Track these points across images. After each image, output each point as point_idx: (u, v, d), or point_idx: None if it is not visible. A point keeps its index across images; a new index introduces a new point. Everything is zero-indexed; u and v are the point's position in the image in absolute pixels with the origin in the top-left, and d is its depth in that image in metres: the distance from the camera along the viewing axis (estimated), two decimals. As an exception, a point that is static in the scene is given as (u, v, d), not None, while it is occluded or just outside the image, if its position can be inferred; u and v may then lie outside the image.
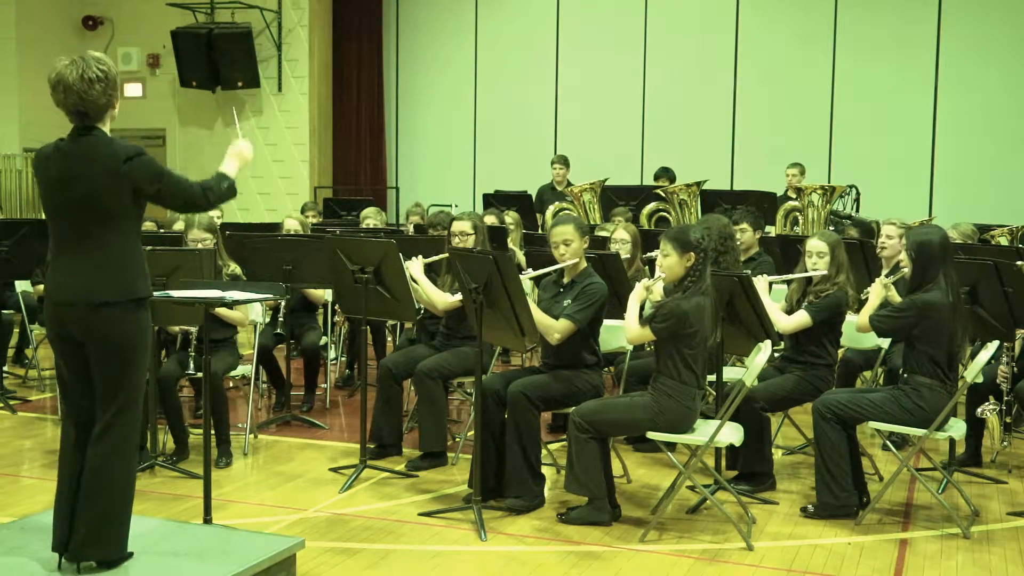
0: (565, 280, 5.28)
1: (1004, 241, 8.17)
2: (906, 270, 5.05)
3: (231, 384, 7.41)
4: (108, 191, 3.63)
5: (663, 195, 9.76)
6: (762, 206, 9.58)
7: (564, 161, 11.12)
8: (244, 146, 4.07)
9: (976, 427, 5.73)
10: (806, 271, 5.54)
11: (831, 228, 9.04)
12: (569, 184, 10.76)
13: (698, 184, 9.72)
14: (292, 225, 7.29)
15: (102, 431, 3.70)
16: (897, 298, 5.24)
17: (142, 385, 3.78)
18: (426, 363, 5.77)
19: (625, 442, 6.14)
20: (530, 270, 5.56)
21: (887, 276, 5.52)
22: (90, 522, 3.69)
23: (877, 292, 5.19)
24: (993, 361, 5.36)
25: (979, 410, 5.48)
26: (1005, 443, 5.84)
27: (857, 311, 5.58)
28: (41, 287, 7.43)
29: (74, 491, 3.72)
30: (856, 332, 5.51)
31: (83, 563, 3.72)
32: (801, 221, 9.46)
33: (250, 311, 6.19)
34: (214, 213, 8.39)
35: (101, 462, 3.69)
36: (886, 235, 6.84)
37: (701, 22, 13.08)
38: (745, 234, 6.83)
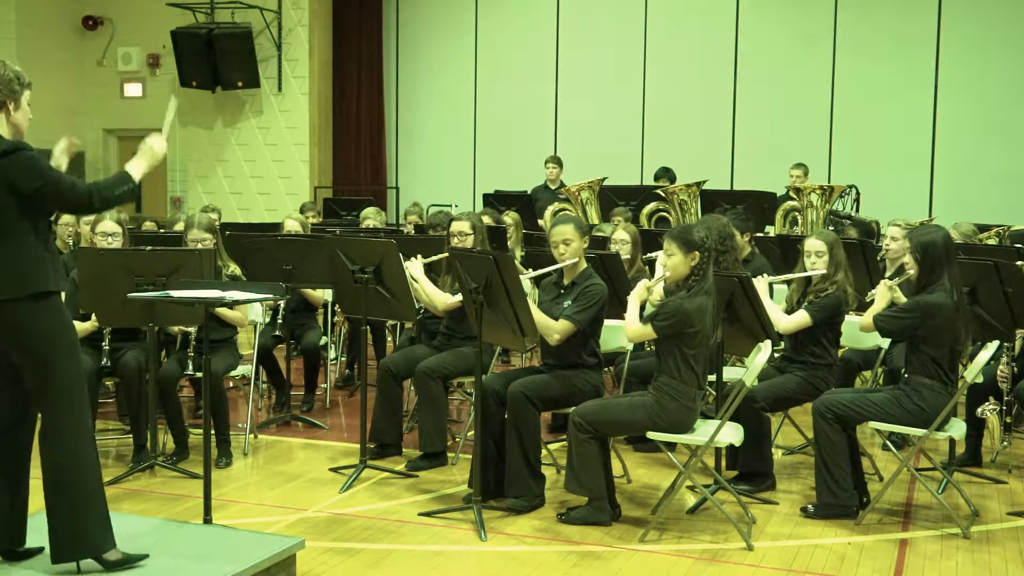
0: (565, 281, 5.27)
1: (992, 243, 8.16)
2: (911, 272, 5.04)
3: (231, 384, 7.41)
4: None
5: (663, 195, 9.77)
6: (762, 206, 9.60)
7: (558, 161, 11.21)
8: (156, 142, 3.98)
9: (976, 427, 5.73)
10: (805, 271, 5.54)
11: (831, 228, 9.04)
12: (562, 184, 10.80)
13: (698, 184, 9.73)
14: (292, 226, 7.28)
15: (45, 428, 3.71)
16: (903, 299, 5.22)
17: (72, 378, 3.71)
18: (426, 363, 5.77)
19: (625, 442, 6.14)
20: (530, 270, 5.56)
21: (892, 278, 5.51)
22: (70, 521, 3.69)
23: (883, 294, 5.16)
24: (993, 361, 5.36)
25: (979, 410, 5.48)
26: (1005, 443, 5.84)
27: (856, 310, 5.58)
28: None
29: None
30: (857, 332, 5.51)
31: (82, 561, 3.72)
32: (800, 221, 9.46)
33: (250, 311, 6.19)
34: (213, 215, 8.44)
35: (57, 459, 3.69)
36: (891, 236, 6.85)
37: (701, 22, 13.09)
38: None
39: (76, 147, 4.13)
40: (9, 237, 3.63)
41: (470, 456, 5.24)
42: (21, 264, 3.64)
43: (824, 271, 5.44)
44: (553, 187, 10.93)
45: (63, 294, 3.80)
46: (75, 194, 3.69)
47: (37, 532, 3.91)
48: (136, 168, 3.90)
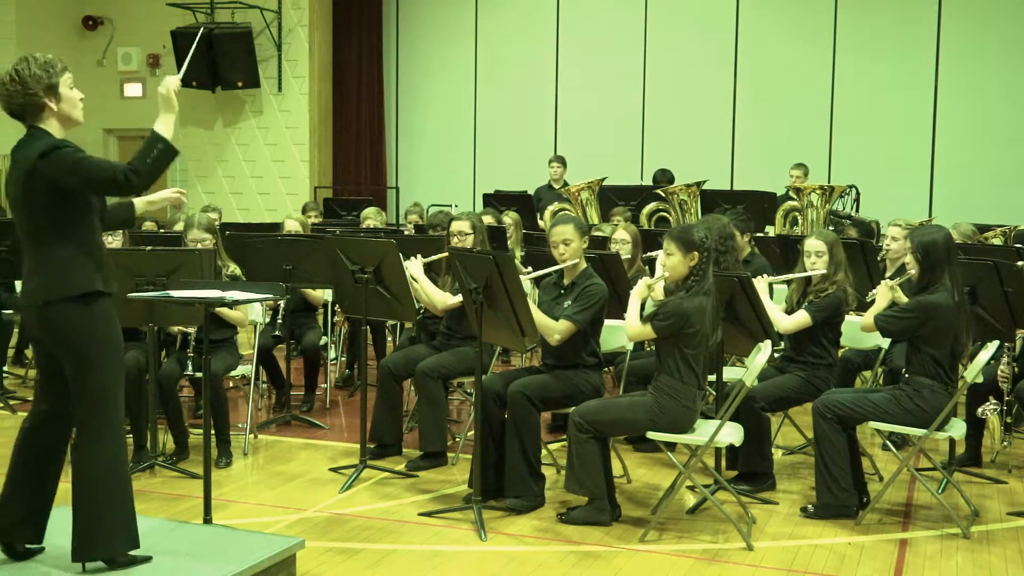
0: (565, 281, 5.27)
1: (998, 242, 8.17)
2: (912, 272, 5.04)
3: (231, 384, 7.41)
4: (29, 191, 3.63)
5: (663, 195, 9.76)
6: (762, 206, 9.59)
7: (562, 161, 11.21)
8: (166, 80, 3.83)
9: (976, 427, 5.73)
10: (805, 271, 5.54)
11: (831, 228, 9.04)
12: (566, 184, 10.80)
13: (698, 184, 9.72)
14: (292, 226, 7.28)
15: (78, 429, 3.73)
16: (904, 299, 5.22)
17: (110, 381, 3.71)
18: (426, 363, 5.77)
19: (625, 442, 6.14)
20: (530, 270, 5.55)
21: (892, 277, 5.51)
22: (85, 522, 3.70)
23: (884, 294, 5.15)
24: (993, 361, 5.36)
25: (980, 410, 5.48)
26: (1005, 443, 5.84)
27: (856, 310, 5.57)
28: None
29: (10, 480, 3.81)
30: (857, 332, 5.51)
31: (88, 563, 3.73)
32: (800, 221, 9.46)
33: (250, 311, 6.19)
34: (213, 215, 8.44)
35: (82, 460, 3.70)
36: (891, 236, 6.84)
37: (701, 22, 13.09)
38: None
39: (183, 205, 4.18)
40: (52, 239, 3.65)
41: (470, 456, 5.24)
42: (60, 267, 3.65)
43: (824, 271, 5.44)
44: (557, 186, 10.94)
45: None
46: (111, 177, 3.59)
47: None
48: (161, 124, 3.72)
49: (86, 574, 3.72)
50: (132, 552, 3.79)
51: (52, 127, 3.70)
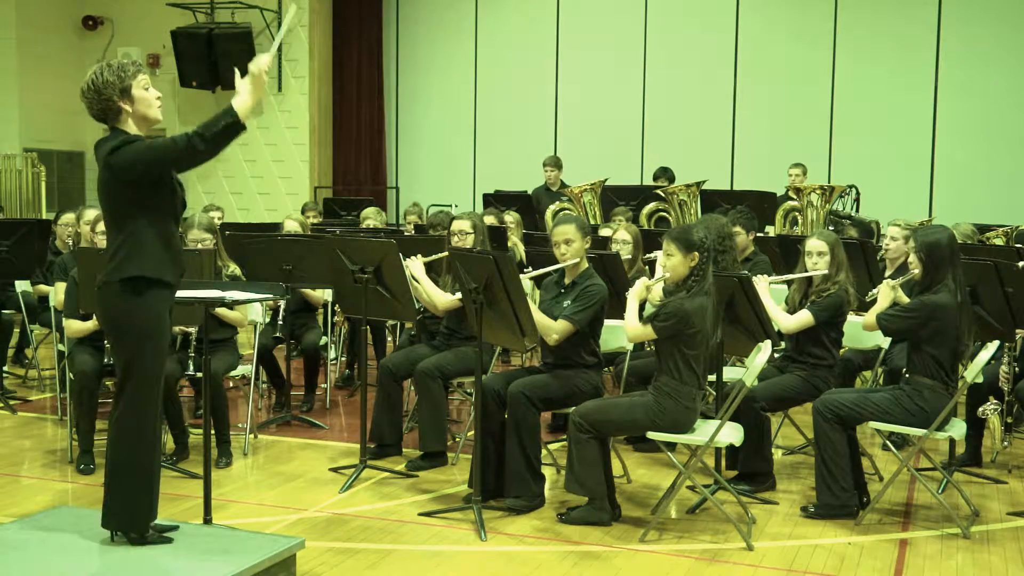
0: (566, 280, 5.27)
1: (999, 242, 8.17)
2: (916, 272, 5.03)
3: (231, 384, 7.41)
4: (105, 183, 3.83)
5: (663, 195, 9.77)
6: (762, 206, 9.59)
7: (556, 163, 11.16)
8: (254, 62, 3.84)
9: (976, 427, 5.73)
10: (806, 271, 5.53)
11: (831, 228, 9.04)
12: (564, 185, 10.79)
13: (698, 184, 9.73)
14: (292, 226, 7.28)
15: (112, 409, 3.92)
16: (905, 299, 5.21)
17: (141, 369, 3.83)
18: (426, 363, 5.77)
19: (625, 442, 6.14)
20: (530, 269, 5.55)
21: (893, 277, 5.50)
22: (106, 492, 3.90)
23: (885, 294, 5.14)
24: (993, 361, 5.36)
25: (980, 410, 5.47)
26: (1006, 443, 5.84)
27: (856, 311, 5.57)
28: (41, 287, 7.44)
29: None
30: (858, 332, 5.50)
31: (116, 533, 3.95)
32: (800, 221, 9.46)
33: (250, 311, 6.19)
34: (215, 213, 8.44)
35: (110, 437, 3.90)
36: (891, 236, 6.84)
37: (701, 22, 13.09)
38: (738, 236, 6.70)
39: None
40: (118, 227, 3.82)
41: (470, 456, 5.24)
42: (117, 253, 3.80)
43: (826, 271, 5.44)
44: (554, 189, 10.93)
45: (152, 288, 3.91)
46: (175, 148, 3.70)
47: (42, 531, 3.94)
48: (238, 99, 3.75)
49: (113, 544, 3.90)
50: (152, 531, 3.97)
51: (130, 127, 3.85)
